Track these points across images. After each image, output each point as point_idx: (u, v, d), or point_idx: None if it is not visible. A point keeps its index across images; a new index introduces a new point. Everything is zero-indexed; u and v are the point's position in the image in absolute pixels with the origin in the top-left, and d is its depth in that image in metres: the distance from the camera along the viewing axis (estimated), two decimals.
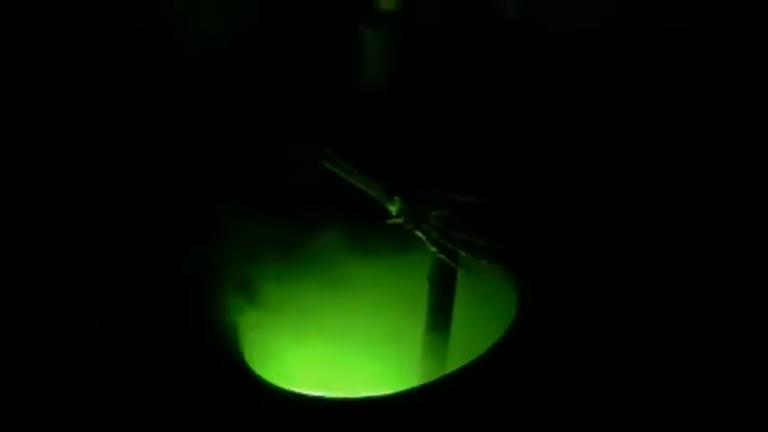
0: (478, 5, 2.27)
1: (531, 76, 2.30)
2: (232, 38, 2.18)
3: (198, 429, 1.72)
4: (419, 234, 1.90)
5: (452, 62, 2.15)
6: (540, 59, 2.29)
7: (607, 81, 2.28)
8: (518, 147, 2.25)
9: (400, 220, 1.91)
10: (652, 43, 2.25)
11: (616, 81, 2.27)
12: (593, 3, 2.24)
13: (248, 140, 2.17)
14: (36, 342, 1.92)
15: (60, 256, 2.08)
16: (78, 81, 2.18)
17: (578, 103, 2.29)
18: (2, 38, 2.11)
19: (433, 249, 1.89)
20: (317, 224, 2.10)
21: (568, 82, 2.29)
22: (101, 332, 1.92)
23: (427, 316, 1.94)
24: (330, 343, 2.08)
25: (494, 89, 2.25)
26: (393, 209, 1.92)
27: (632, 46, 2.26)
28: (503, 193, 1.95)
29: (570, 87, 2.29)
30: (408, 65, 2.10)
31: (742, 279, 2.00)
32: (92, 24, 2.15)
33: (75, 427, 1.77)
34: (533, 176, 2.22)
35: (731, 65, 2.23)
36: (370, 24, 2.01)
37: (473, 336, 1.92)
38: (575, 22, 2.28)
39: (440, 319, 1.93)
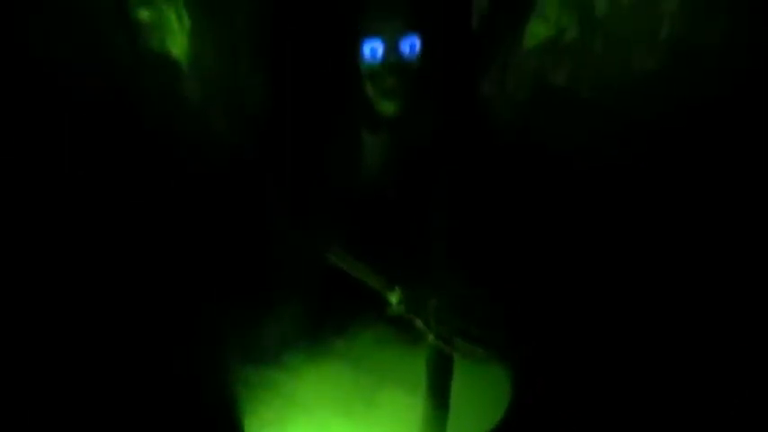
0: (477, 110, 2.40)
1: (527, 178, 2.41)
2: (239, 137, 2.29)
3: None
4: (418, 322, 1.96)
5: (452, 166, 2.25)
6: (537, 162, 2.42)
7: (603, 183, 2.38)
8: (513, 239, 2.34)
9: (401, 310, 1.98)
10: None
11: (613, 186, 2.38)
12: (589, 108, 2.37)
13: (252, 237, 2.26)
14: None
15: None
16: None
17: (575, 204, 2.40)
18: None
19: (431, 337, 1.95)
20: (320, 316, 2.15)
21: (565, 184, 2.40)
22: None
23: (425, 401, 2.00)
24: (330, 424, 2.11)
25: (491, 190, 2.37)
26: (394, 299, 1.99)
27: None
28: (498, 283, 2.01)
29: (567, 189, 2.40)
30: (409, 168, 2.20)
31: None
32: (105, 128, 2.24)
33: None
34: (529, 268, 2.30)
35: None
36: (370, 129, 2.10)
37: (470, 422, 1.96)
38: (572, 128, 2.41)
39: (437, 404, 1.99)
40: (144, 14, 2.12)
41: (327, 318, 2.14)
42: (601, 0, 2.24)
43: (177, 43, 2.16)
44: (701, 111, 2.28)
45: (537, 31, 2.31)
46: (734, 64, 2.23)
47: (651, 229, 2.36)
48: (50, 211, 2.19)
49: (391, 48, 1.98)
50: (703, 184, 2.32)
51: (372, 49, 1.98)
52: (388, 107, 2.03)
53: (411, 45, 1.99)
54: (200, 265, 2.28)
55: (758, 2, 2.12)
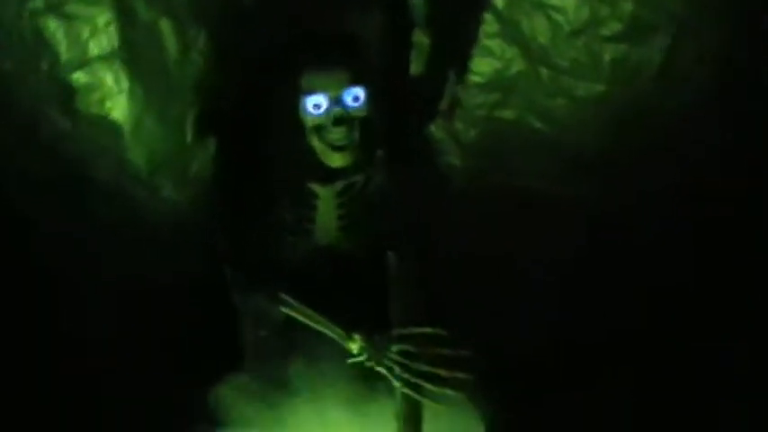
0: (427, 155, 2.38)
1: (482, 219, 2.39)
2: (186, 199, 2.28)
3: None
4: (382, 370, 1.92)
5: (405, 213, 2.23)
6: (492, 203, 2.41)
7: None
8: (475, 281, 2.32)
9: (362, 359, 1.94)
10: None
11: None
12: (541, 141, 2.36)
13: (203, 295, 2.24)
14: None
15: None
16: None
17: (534, 241, 2.38)
18: None
19: (397, 384, 1.90)
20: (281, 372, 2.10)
21: (523, 222, 2.40)
22: None
23: None
24: None
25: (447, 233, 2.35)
26: (354, 347, 1.95)
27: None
28: (461, 325, 1.97)
29: (526, 226, 2.40)
30: (362, 216, 2.17)
31: None
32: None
33: None
34: (492, 308, 2.28)
35: None
36: (321, 181, 2.08)
37: None
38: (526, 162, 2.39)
39: None
40: (79, 78, 2.08)
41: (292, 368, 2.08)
42: (542, 30, 2.22)
43: (117, 106, 2.12)
44: (648, 132, 2.28)
45: (482, 67, 2.30)
46: (676, 80, 2.24)
47: (610, 259, 2.34)
48: None
49: (335, 101, 1.95)
50: (657, 208, 2.32)
51: (316, 104, 1.96)
52: (336, 159, 2.01)
53: (355, 97, 1.97)
54: (153, 325, 2.26)
55: (696, 19, 2.12)
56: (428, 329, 1.93)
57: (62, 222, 2.22)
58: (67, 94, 2.10)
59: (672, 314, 2.35)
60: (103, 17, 2.05)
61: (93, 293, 2.25)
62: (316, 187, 2.09)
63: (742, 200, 2.27)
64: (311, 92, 1.97)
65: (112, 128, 2.16)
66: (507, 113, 2.37)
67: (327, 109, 1.97)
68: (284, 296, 2.04)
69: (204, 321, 2.33)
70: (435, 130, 2.41)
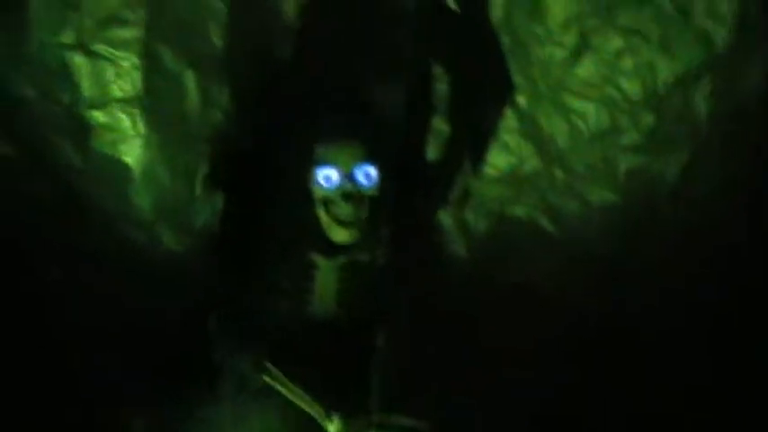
0: (434, 241, 2.37)
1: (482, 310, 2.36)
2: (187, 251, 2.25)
3: None
4: None
5: (403, 296, 2.20)
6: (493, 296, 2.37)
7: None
8: (464, 376, 2.27)
9: None
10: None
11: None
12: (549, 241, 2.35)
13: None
14: None
15: None
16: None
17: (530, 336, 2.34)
18: None
19: None
20: None
21: (520, 316, 2.36)
22: None
23: None
24: None
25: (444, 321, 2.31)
26: (331, 428, 1.90)
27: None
28: (439, 416, 1.93)
29: (522, 320, 2.35)
30: (361, 294, 2.15)
31: None
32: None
33: None
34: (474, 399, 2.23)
35: None
36: (323, 254, 2.05)
37: None
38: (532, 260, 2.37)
39: None
40: (97, 117, 2.09)
41: None
42: (561, 132, 2.22)
43: (130, 150, 2.12)
44: (659, 243, 2.25)
45: (498, 160, 2.29)
46: (692, 197, 2.23)
47: (609, 366, 2.30)
48: None
49: (346, 176, 1.94)
50: (662, 319, 2.28)
51: (327, 176, 1.94)
52: (341, 235, 1.98)
53: (366, 174, 1.96)
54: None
55: (717, 138, 2.12)
56: (408, 421, 1.88)
57: (60, 251, 2.20)
58: (84, 130, 2.12)
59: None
60: (129, 61, 2.08)
61: (82, 320, 2.22)
62: (317, 258, 2.06)
63: (755, 320, 2.23)
64: (324, 164, 1.95)
65: (123, 170, 2.15)
66: (518, 210, 2.37)
67: (338, 183, 1.95)
68: (268, 364, 1.99)
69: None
70: (444, 217, 2.39)
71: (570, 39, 2.20)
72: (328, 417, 1.92)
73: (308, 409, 1.95)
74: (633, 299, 2.32)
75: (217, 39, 2.17)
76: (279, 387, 1.98)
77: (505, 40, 2.25)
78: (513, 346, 2.36)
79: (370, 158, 1.96)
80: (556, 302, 2.35)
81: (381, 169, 1.98)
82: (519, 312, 2.37)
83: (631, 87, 2.20)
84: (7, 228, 2.17)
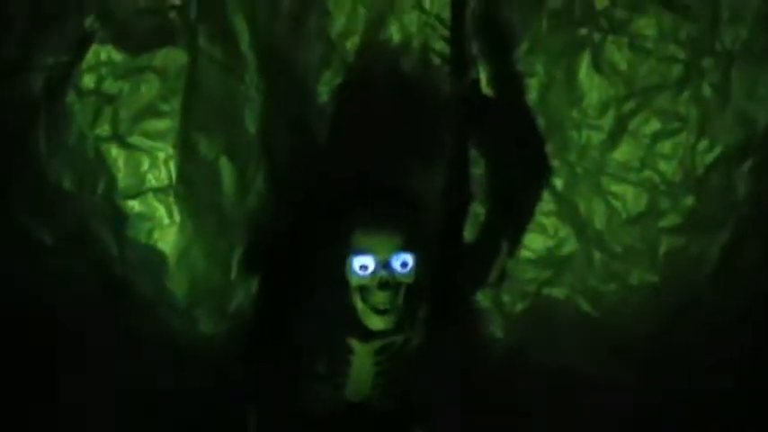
0: (471, 324, 2.34)
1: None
2: (224, 338, 2.23)
3: None
4: None
5: (441, 383, 2.18)
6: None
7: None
8: None
9: None
10: None
11: None
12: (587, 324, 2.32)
13: None
14: None
15: None
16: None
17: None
18: None
19: None
20: None
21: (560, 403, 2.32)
22: None
23: None
24: None
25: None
26: None
27: None
28: None
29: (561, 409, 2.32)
30: (397, 380, 2.12)
31: None
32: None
33: None
34: None
35: None
36: (359, 339, 2.04)
37: None
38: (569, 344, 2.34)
39: None
40: (133, 206, 2.10)
41: None
42: (599, 214, 2.19)
43: (165, 238, 2.12)
44: (702, 328, 2.21)
45: (535, 243, 2.27)
46: (734, 280, 2.21)
47: None
48: None
49: (383, 264, 1.92)
50: (698, 408, 2.23)
51: (363, 265, 1.93)
52: (377, 323, 1.96)
53: (403, 262, 1.94)
54: None
55: (759, 219, 2.09)
56: None
57: (99, 336, 2.21)
58: (119, 219, 2.12)
59: None
60: (164, 152, 2.09)
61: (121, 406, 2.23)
62: (353, 343, 2.03)
63: None
64: (360, 252, 1.93)
65: (158, 257, 2.15)
66: (556, 292, 2.34)
67: (374, 271, 1.93)
68: None
69: None
70: (481, 299, 2.36)
71: (607, 122, 2.19)
72: None
73: None
74: (674, 380, 2.27)
75: (252, 126, 2.18)
76: None
77: (541, 122, 2.24)
78: (553, 427, 2.32)
79: (407, 246, 1.93)
80: (595, 385, 2.32)
81: (418, 256, 1.95)
82: (557, 395, 2.33)
83: (670, 169, 2.17)
84: (46, 315, 2.18)
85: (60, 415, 2.19)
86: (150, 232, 2.14)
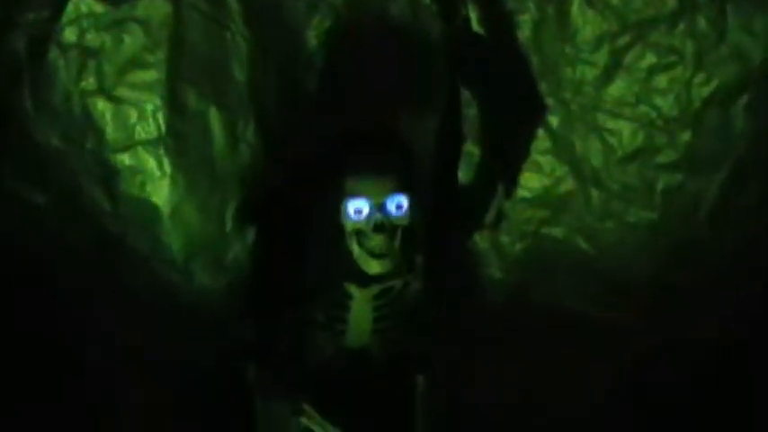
0: (468, 266, 2.33)
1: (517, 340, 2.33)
2: (220, 290, 2.24)
3: None
4: None
5: (439, 328, 2.18)
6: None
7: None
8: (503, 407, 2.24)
9: None
10: None
11: None
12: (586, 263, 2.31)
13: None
14: None
15: None
16: None
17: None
18: None
19: None
20: None
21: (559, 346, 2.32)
22: None
23: None
24: None
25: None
26: None
27: None
28: None
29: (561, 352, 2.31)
30: (396, 326, 2.12)
31: None
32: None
33: None
34: None
35: None
36: (357, 284, 2.03)
37: None
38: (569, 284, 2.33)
39: None
40: (123, 159, 2.09)
41: None
42: (595, 152, 2.17)
43: (158, 191, 2.11)
44: (700, 268, 2.20)
45: (531, 182, 2.25)
46: (732, 217, 2.19)
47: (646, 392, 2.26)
48: None
49: (378, 207, 1.90)
50: (699, 346, 2.23)
51: (357, 208, 1.90)
52: (374, 267, 1.93)
53: (398, 205, 1.91)
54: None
55: (756, 157, 2.06)
56: None
57: (93, 293, 2.21)
58: (110, 174, 2.11)
59: None
60: (152, 104, 2.07)
61: (119, 361, 2.24)
62: (351, 289, 2.02)
63: None
64: (353, 196, 1.90)
65: (151, 211, 2.15)
66: (555, 231, 2.33)
67: (369, 215, 1.90)
68: (307, 407, 1.97)
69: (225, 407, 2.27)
70: (479, 241, 2.35)
71: (601, 57, 2.16)
72: None
73: None
74: (672, 320, 2.27)
75: (240, 74, 2.15)
76: (317, 430, 1.95)
77: (535, 60, 2.20)
78: (551, 369, 2.32)
79: (402, 189, 1.91)
80: (593, 325, 2.31)
81: (413, 198, 1.93)
82: (556, 334, 2.33)
83: (666, 105, 2.14)
84: (41, 273, 2.17)
85: (61, 372, 2.19)
86: (142, 186, 2.13)
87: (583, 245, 2.30)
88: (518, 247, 2.36)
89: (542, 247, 2.34)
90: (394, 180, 1.89)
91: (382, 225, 1.87)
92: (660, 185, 2.19)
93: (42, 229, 2.15)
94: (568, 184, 2.26)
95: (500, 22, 2.18)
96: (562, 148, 2.23)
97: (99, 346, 2.22)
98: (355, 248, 1.92)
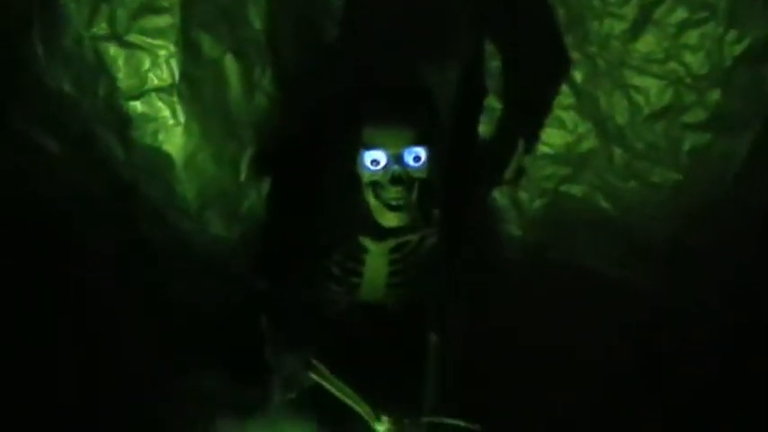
0: (487, 222, 2.29)
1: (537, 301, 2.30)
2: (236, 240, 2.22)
3: None
4: None
5: (456, 283, 2.15)
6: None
7: None
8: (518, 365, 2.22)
9: None
10: None
11: None
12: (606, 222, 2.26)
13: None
14: None
15: None
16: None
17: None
18: None
19: None
20: None
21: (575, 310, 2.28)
22: None
23: None
24: None
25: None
26: (381, 429, 1.86)
27: None
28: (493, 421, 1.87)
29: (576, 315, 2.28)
30: (412, 281, 2.09)
31: None
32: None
33: None
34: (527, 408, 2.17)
35: None
36: (373, 238, 1.99)
37: None
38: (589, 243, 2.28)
39: None
40: (135, 107, 2.06)
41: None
42: (620, 109, 2.11)
43: (171, 139, 2.08)
44: (722, 227, 2.16)
45: (553, 138, 2.20)
46: (760, 178, 2.14)
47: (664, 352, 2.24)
48: None
49: (395, 159, 1.85)
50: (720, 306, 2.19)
51: (374, 159, 1.85)
52: (391, 219, 1.89)
53: (416, 157, 1.86)
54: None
55: None
56: (461, 422, 1.83)
57: (107, 240, 2.20)
58: (122, 121, 2.08)
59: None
60: (166, 50, 2.03)
61: (131, 312, 2.23)
62: (367, 242, 1.98)
63: None
64: (370, 147, 1.85)
65: (165, 159, 2.12)
66: (575, 189, 2.28)
67: (386, 166, 1.85)
68: (317, 363, 1.95)
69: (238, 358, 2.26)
70: (498, 197, 2.31)
71: (630, 11, 2.08)
72: (377, 417, 1.88)
73: (356, 408, 1.91)
74: (690, 281, 2.23)
75: (257, 22, 2.10)
76: (327, 385, 1.94)
77: (560, 13, 2.13)
78: (569, 328, 2.29)
79: (420, 140, 1.86)
80: (612, 283, 2.28)
81: (431, 150, 1.88)
82: (573, 293, 2.30)
83: (696, 62, 2.07)
84: (53, 221, 2.16)
85: (68, 318, 2.19)
86: (155, 134, 2.10)
87: (603, 203, 2.25)
88: (537, 203, 2.32)
89: (562, 205, 2.29)
90: (413, 131, 1.84)
91: (400, 177, 1.83)
92: (687, 145, 2.13)
93: (54, 176, 2.13)
94: (591, 142, 2.21)
95: None
96: (586, 104, 2.18)
97: (109, 293, 2.21)
98: (371, 200, 1.88)
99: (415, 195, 1.87)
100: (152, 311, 2.22)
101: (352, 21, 2.16)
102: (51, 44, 2.00)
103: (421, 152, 1.84)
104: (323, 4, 2.16)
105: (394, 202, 1.86)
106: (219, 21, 2.07)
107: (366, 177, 1.86)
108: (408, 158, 1.84)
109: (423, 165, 1.85)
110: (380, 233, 1.95)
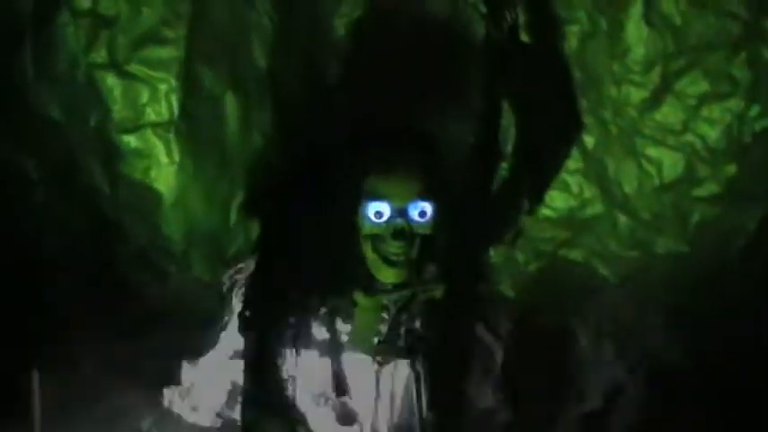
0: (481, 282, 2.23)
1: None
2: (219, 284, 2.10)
3: None
4: None
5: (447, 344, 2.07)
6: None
7: None
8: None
9: None
10: None
11: None
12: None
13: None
14: None
15: None
16: None
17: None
18: None
19: None
20: None
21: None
22: None
23: None
24: None
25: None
26: None
27: None
28: None
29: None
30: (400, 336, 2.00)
31: None
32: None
33: None
34: None
35: None
36: (365, 293, 1.90)
37: None
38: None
39: None
40: (128, 141, 1.97)
41: None
42: (629, 178, 2.08)
43: (162, 177, 2.00)
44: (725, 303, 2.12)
45: (557, 201, 2.16)
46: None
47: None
48: None
49: (399, 212, 1.76)
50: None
51: (378, 211, 1.76)
52: (388, 275, 1.79)
53: (421, 211, 1.77)
54: None
55: None
56: None
57: (86, 276, 2.10)
58: (113, 155, 2.00)
59: None
60: (166, 83, 1.95)
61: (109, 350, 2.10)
62: (358, 297, 1.89)
63: None
64: (375, 197, 1.76)
65: (153, 197, 2.04)
66: (574, 254, 2.23)
67: (389, 219, 1.76)
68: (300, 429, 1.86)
69: None
70: (494, 255, 2.23)
71: (651, 79, 2.04)
72: None
73: None
74: (689, 350, 2.17)
75: (261, 59, 2.03)
76: None
77: (578, 75, 2.08)
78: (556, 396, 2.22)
79: (427, 194, 1.77)
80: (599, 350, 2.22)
81: (437, 206, 1.80)
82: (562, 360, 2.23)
83: (713, 135, 2.04)
84: (32, 250, 2.08)
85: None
86: (146, 170, 2.02)
87: (602, 270, 2.21)
88: (533, 266, 2.26)
89: (558, 269, 2.23)
90: (420, 184, 1.75)
91: (402, 231, 1.74)
92: (695, 218, 2.10)
93: (33, 204, 2.04)
94: (596, 207, 2.17)
95: (548, 30, 2.06)
96: (594, 170, 2.13)
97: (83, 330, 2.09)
98: (369, 254, 1.78)
99: (415, 251, 1.78)
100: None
101: (358, 64, 2.09)
102: (43, 66, 1.92)
103: (427, 207, 1.75)
104: (329, 45, 2.10)
105: (393, 258, 1.76)
106: (223, 56, 2.00)
107: (366, 229, 1.76)
108: (413, 213, 1.75)
109: (427, 220, 1.76)
110: (373, 288, 1.85)
